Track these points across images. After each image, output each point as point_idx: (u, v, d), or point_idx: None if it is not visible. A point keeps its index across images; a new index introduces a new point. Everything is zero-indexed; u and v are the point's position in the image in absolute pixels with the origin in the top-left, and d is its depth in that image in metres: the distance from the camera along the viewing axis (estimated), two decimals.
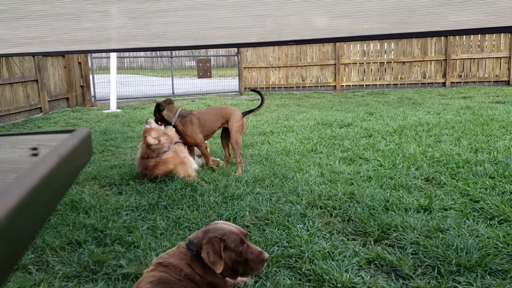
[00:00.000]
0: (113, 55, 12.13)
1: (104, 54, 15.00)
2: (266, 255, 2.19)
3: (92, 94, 13.25)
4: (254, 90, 5.75)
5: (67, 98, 12.21)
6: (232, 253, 2.14)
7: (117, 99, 12.13)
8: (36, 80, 10.58)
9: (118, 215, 3.75)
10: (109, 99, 11.98)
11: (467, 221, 3.39)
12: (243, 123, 5.17)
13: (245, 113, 5.26)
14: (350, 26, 2.44)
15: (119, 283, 2.67)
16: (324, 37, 2.13)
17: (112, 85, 11.89)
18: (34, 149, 0.54)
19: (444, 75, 14.37)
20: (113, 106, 11.68)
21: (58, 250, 3.12)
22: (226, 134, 5.27)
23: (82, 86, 12.68)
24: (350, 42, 14.64)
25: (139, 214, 3.81)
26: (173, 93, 15.35)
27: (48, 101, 11.04)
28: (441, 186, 4.28)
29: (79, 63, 12.52)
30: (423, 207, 3.71)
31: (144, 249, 3.09)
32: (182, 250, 2.21)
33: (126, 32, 2.12)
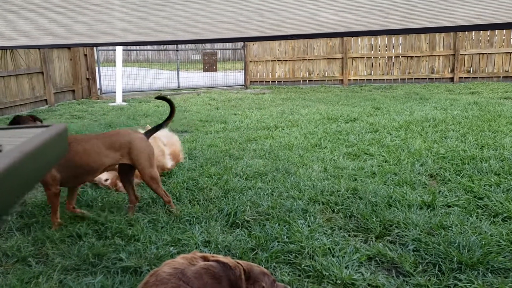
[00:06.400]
0: (119, 48, 12.13)
1: (110, 47, 15.02)
2: None
3: (98, 86, 13.26)
4: (160, 97, 4.05)
5: (73, 91, 12.24)
6: None
7: (123, 92, 12.14)
8: (42, 72, 10.61)
9: (119, 208, 3.75)
10: (115, 92, 12.00)
11: (470, 218, 3.36)
12: (152, 149, 3.64)
13: (151, 132, 3.75)
14: (354, 21, 2.40)
15: (118, 276, 2.67)
16: (325, 32, 2.10)
17: (117, 78, 11.90)
18: None
19: (452, 70, 14.23)
20: (118, 99, 11.69)
21: (58, 242, 3.13)
22: (125, 169, 3.71)
23: (88, 79, 12.70)
24: (353, 37, 14.53)
25: (140, 207, 3.81)
26: (178, 87, 15.34)
27: (54, 93, 11.08)
28: (445, 183, 4.24)
29: (85, 55, 12.54)
30: (426, 204, 3.67)
31: (144, 242, 3.09)
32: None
33: (123, 26, 2.10)
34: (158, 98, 4.04)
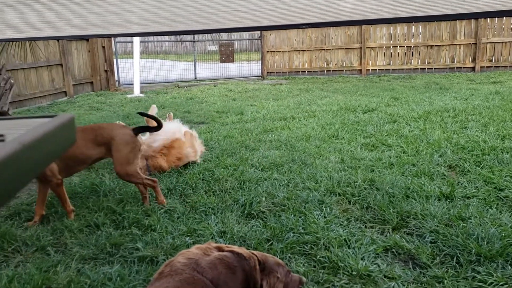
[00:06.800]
0: (136, 40, 12.19)
1: (128, 38, 15.10)
2: (304, 279, 2.41)
3: (116, 78, 13.37)
4: (142, 114, 3.85)
5: (92, 82, 12.37)
6: (281, 284, 2.31)
7: (141, 83, 12.22)
8: (61, 64, 10.74)
9: (136, 199, 3.78)
10: (132, 84, 12.08)
11: (490, 209, 3.29)
12: (135, 146, 3.53)
13: (139, 129, 3.63)
14: (370, 8, 2.35)
15: (135, 266, 2.70)
16: (339, 20, 2.06)
17: (135, 70, 11.98)
18: (1, 135, 0.53)
19: (473, 60, 13.93)
20: (136, 91, 11.78)
21: (76, 232, 3.18)
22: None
23: (106, 71, 12.81)
24: (368, 25, 14.32)
25: (157, 198, 3.83)
26: (195, 78, 15.37)
27: (73, 85, 11.21)
28: (465, 174, 4.16)
29: (103, 47, 12.63)
30: (445, 195, 3.62)
31: (161, 232, 3.12)
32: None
33: (138, 17, 2.10)
34: (140, 114, 3.87)
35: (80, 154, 3.38)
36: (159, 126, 3.68)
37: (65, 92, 10.94)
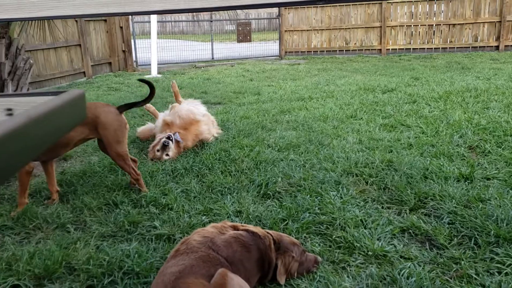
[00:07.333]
0: (154, 20, 12.15)
1: (146, 18, 15.07)
2: (320, 258, 2.46)
3: (134, 59, 13.40)
4: (141, 80, 3.95)
5: (110, 63, 12.42)
6: (296, 263, 2.33)
7: (158, 64, 12.22)
8: (79, 45, 10.80)
9: (154, 178, 3.82)
10: (150, 64, 12.10)
11: (510, 191, 3.23)
12: (122, 124, 3.49)
13: (124, 107, 3.55)
14: None
15: (152, 243, 2.74)
16: None
17: (152, 50, 11.97)
18: (9, 109, 0.53)
19: (497, 38, 13.52)
20: (154, 71, 11.80)
21: (95, 210, 3.23)
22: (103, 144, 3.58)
23: (124, 51, 12.84)
24: (389, 1, 13.99)
25: (174, 177, 3.87)
26: (212, 58, 15.31)
27: (91, 65, 11.28)
28: (485, 155, 4.09)
29: (121, 27, 12.63)
30: (464, 176, 3.56)
31: (178, 211, 3.15)
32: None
33: None
34: (140, 80, 3.89)
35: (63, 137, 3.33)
36: (152, 92, 3.65)
37: (83, 72, 11.03)
